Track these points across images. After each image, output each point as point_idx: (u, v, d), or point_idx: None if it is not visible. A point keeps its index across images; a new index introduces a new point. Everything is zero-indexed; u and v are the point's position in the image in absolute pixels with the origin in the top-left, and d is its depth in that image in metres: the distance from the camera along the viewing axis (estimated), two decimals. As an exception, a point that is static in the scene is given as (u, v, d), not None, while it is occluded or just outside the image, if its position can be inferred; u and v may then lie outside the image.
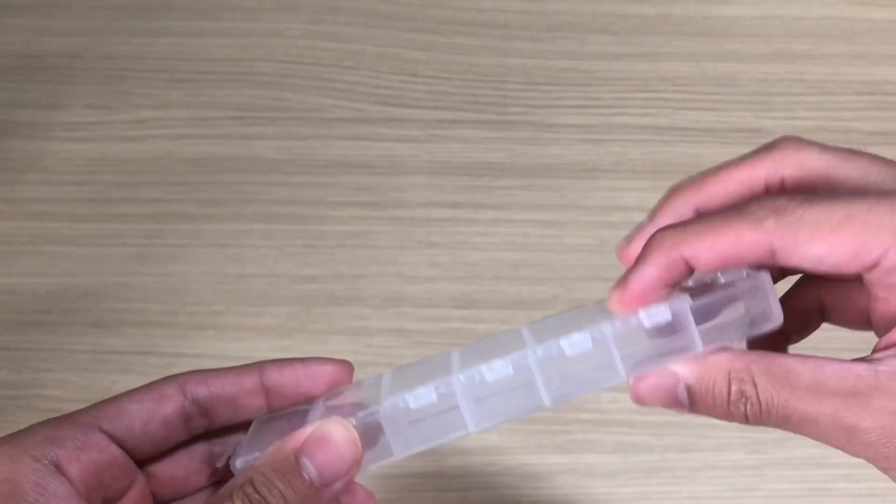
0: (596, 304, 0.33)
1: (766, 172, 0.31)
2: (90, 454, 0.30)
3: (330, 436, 0.29)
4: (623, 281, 0.30)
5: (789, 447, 0.54)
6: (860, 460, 0.29)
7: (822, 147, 0.31)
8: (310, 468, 0.29)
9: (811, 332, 0.34)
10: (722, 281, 0.30)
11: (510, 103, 0.68)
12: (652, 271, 0.29)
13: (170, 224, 0.62)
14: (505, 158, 0.66)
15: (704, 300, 0.29)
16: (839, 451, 0.29)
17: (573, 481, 0.54)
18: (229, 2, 0.72)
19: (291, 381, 0.34)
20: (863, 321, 0.31)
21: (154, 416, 0.32)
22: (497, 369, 0.30)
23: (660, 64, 0.70)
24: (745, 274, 0.30)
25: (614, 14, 0.73)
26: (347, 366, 0.34)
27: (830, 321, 0.34)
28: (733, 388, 0.29)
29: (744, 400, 0.29)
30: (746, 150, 0.31)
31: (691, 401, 0.30)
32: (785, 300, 0.31)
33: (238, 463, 0.31)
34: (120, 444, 0.31)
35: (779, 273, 0.33)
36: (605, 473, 0.54)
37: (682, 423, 0.55)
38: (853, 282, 0.30)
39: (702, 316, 0.29)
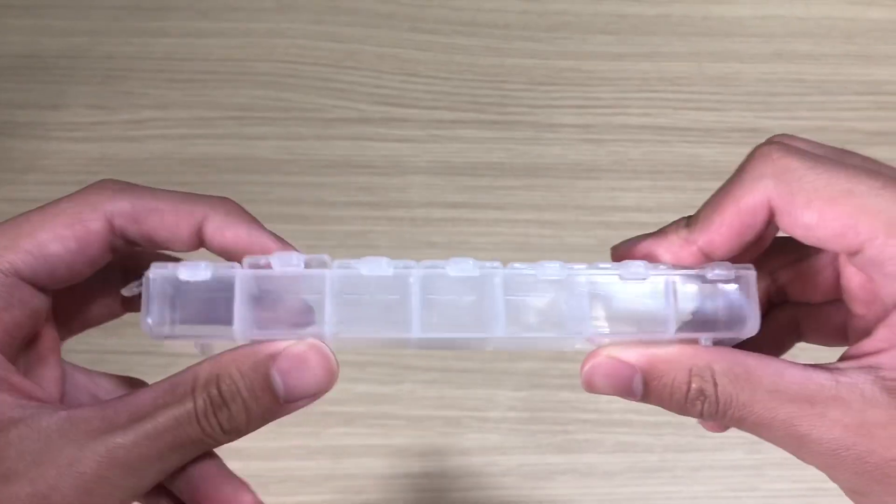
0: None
1: (755, 201, 0.28)
2: (12, 313, 0.28)
3: (308, 360, 0.28)
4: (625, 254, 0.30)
5: (789, 447, 0.54)
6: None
7: (804, 158, 0.28)
8: (279, 385, 0.28)
9: (784, 353, 0.33)
10: (709, 276, 0.29)
11: (510, 103, 0.68)
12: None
13: (170, 224, 0.62)
14: (505, 158, 0.66)
15: (689, 276, 0.29)
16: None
17: (573, 481, 0.54)
18: (229, 2, 0.72)
19: (231, 244, 0.32)
20: (840, 338, 0.31)
21: (77, 258, 0.29)
22: (372, 265, 0.28)
23: (660, 64, 0.70)
24: (733, 274, 0.29)
25: (614, 14, 0.73)
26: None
27: (808, 340, 0.33)
28: (693, 385, 0.28)
29: (702, 398, 0.28)
30: (746, 150, 0.31)
31: (645, 392, 0.29)
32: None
33: (149, 323, 0.29)
34: (32, 283, 0.29)
35: (774, 291, 0.32)
36: (605, 473, 0.54)
37: (682, 423, 0.55)
38: (830, 302, 0.30)
39: (681, 301, 0.29)
